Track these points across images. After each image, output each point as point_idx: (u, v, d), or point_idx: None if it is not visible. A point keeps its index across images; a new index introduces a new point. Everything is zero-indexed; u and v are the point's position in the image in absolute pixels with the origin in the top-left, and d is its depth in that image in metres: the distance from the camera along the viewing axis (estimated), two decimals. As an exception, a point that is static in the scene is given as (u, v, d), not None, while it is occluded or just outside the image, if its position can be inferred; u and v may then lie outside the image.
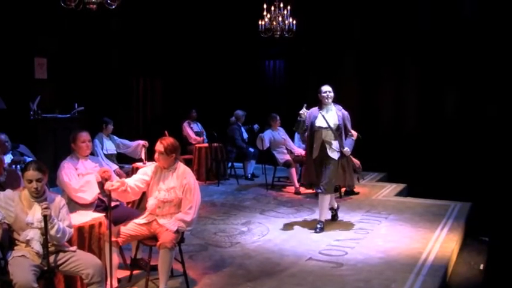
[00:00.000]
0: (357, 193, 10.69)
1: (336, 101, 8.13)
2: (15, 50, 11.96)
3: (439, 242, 7.56)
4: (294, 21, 11.74)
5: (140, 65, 14.56)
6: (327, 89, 8.07)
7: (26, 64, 12.35)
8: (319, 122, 7.96)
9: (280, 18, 11.75)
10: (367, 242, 7.59)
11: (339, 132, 7.93)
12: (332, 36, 13.66)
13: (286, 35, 11.82)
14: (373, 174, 12.70)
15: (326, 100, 8.01)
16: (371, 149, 12.05)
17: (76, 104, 11.66)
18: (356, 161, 10.36)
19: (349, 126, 8.09)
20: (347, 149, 7.95)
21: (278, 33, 11.82)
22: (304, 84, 13.93)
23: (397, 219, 8.88)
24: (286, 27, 11.76)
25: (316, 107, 8.12)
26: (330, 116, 7.97)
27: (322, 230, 8.08)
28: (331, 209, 8.71)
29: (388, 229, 8.30)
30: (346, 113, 8.10)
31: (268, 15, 11.73)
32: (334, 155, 7.96)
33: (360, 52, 13.52)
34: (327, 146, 7.95)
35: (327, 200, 8.19)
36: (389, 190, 11.19)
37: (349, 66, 13.76)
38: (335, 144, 7.95)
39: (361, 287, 5.96)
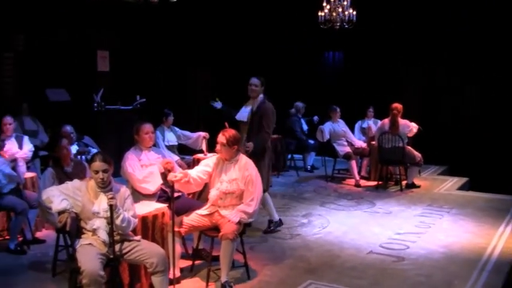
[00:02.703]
0: (418, 186, 10.55)
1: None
2: (79, 43, 12.23)
3: (504, 238, 7.40)
4: (354, 12, 11.62)
5: (200, 57, 14.68)
6: (251, 81, 7.59)
7: (89, 57, 12.62)
8: (238, 115, 7.66)
9: (340, 9, 11.65)
10: (429, 237, 7.48)
11: (252, 127, 7.45)
12: (391, 27, 13.45)
13: (346, 26, 11.71)
14: (434, 167, 12.48)
15: (249, 93, 7.61)
16: (432, 142, 11.87)
17: (138, 96, 11.82)
18: (417, 154, 10.27)
19: (264, 122, 7.42)
20: (250, 144, 7.23)
21: (338, 24, 11.73)
22: (363, 75, 13.81)
23: (459, 213, 8.72)
24: (346, 18, 11.66)
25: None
26: (248, 109, 7.60)
27: None
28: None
29: (450, 224, 8.15)
30: (267, 108, 7.48)
31: (328, 6, 11.66)
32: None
33: (422, 42, 13.26)
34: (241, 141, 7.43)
35: None
36: (451, 184, 10.99)
37: (411, 57, 13.52)
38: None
39: (422, 282, 5.88)
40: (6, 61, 11.42)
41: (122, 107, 11.84)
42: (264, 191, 7.44)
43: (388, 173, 10.93)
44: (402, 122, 10.30)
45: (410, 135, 10.46)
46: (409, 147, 10.34)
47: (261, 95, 7.64)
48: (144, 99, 11.81)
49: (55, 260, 6.05)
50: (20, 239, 7.06)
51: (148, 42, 13.75)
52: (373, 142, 10.89)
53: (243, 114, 7.63)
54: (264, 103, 7.56)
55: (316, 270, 6.18)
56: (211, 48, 14.72)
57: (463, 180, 11.28)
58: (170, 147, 9.50)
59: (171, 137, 9.67)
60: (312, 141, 12.12)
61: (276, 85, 14.49)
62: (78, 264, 4.56)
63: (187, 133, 9.79)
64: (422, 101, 13.15)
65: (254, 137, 7.38)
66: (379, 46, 13.72)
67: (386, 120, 10.42)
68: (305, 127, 12.38)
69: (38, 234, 7.52)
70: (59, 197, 4.70)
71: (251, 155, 6.94)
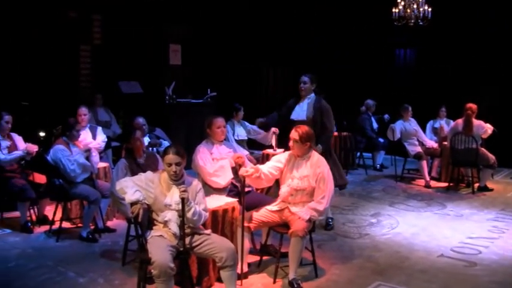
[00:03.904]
0: (491, 189, 10.24)
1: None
2: (152, 37, 12.43)
3: None
4: (430, 9, 11.37)
5: (271, 53, 14.67)
6: (301, 79, 7.54)
7: (162, 51, 12.80)
8: (294, 114, 7.54)
9: (414, 6, 11.42)
10: (503, 242, 7.22)
11: (315, 125, 7.29)
12: (469, 25, 13.06)
13: (421, 23, 11.47)
14: (508, 170, 12.06)
15: (300, 91, 7.53)
16: (506, 144, 11.50)
17: (209, 90, 11.91)
18: (491, 156, 9.98)
19: (326, 120, 7.43)
20: (319, 147, 7.12)
21: (412, 21, 11.50)
22: (436, 74, 13.50)
23: (534, 219, 8.42)
24: (421, 15, 11.42)
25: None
26: (304, 108, 7.49)
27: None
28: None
29: (525, 229, 7.88)
30: (326, 106, 7.48)
31: (403, 3, 11.45)
32: None
33: (499, 40, 12.83)
34: None
35: None
36: (526, 188, 10.63)
37: (487, 55, 13.11)
38: None
39: (496, 289, 5.71)
40: (83, 53, 11.73)
41: (193, 100, 11.98)
42: (341, 187, 7.62)
43: (459, 174, 10.69)
44: (476, 122, 10.04)
45: (484, 136, 10.19)
46: (483, 149, 10.07)
47: (313, 94, 7.59)
48: (215, 93, 11.90)
49: (125, 249, 6.18)
50: (92, 227, 7.25)
51: (220, 37, 13.83)
52: (445, 142, 10.65)
53: (300, 113, 7.55)
54: (321, 101, 7.53)
55: (385, 272, 6.08)
56: (291, 47, 14.67)
57: (540, 185, 10.90)
58: (240, 142, 9.50)
59: (241, 132, 9.69)
60: (381, 140, 11.97)
61: (346, 82, 14.43)
62: (149, 255, 4.62)
63: (257, 128, 9.78)
64: (497, 102, 12.74)
65: (317, 134, 7.29)
66: (454, 44, 13.37)
67: (460, 121, 10.18)
68: (375, 125, 12.22)
69: (109, 224, 7.70)
70: (132, 188, 4.76)
71: None
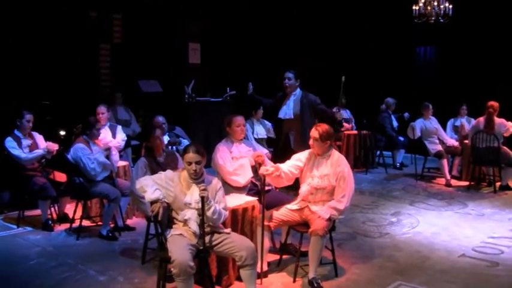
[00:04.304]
0: (513, 188, 10.16)
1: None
2: (171, 36, 12.45)
3: None
4: (450, 6, 11.27)
5: (285, 53, 14.62)
6: (285, 75, 7.45)
7: (181, 49, 12.81)
8: (281, 113, 7.49)
9: (435, 3, 11.32)
10: (525, 242, 7.14)
11: (304, 119, 7.32)
12: (491, 22, 12.91)
13: (442, 21, 11.37)
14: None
15: (285, 88, 7.46)
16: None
17: (228, 89, 11.92)
18: (514, 155, 9.87)
19: (322, 107, 7.46)
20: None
21: (433, 18, 11.40)
22: (457, 71, 13.37)
23: (557, 219, 8.30)
24: (442, 12, 11.32)
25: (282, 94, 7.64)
26: (291, 106, 7.44)
27: None
28: None
29: (548, 229, 7.77)
30: (313, 97, 7.45)
31: (423, 0, 11.36)
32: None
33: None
34: (291, 138, 7.44)
35: None
36: (548, 187, 10.48)
37: (509, 54, 12.97)
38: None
39: (518, 289, 5.64)
40: (103, 52, 11.79)
41: (212, 99, 11.99)
42: None
43: (480, 173, 10.58)
44: (498, 120, 9.94)
45: (506, 134, 10.08)
46: (505, 148, 9.96)
47: (298, 89, 7.55)
48: (234, 92, 11.89)
49: (145, 248, 6.19)
50: (112, 225, 7.28)
51: (239, 36, 13.82)
52: (466, 141, 10.55)
53: (286, 111, 7.51)
54: (307, 95, 7.50)
55: (406, 272, 6.02)
56: (308, 48, 14.61)
57: None
58: (259, 140, 9.51)
59: (260, 130, 9.69)
60: (402, 138, 11.90)
61: (366, 80, 14.35)
62: (169, 253, 4.61)
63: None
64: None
65: (308, 128, 7.24)
66: (475, 41, 13.22)
67: (482, 119, 10.08)
68: (395, 123, 12.15)
69: (129, 222, 7.73)
70: (152, 186, 4.76)
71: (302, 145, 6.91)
